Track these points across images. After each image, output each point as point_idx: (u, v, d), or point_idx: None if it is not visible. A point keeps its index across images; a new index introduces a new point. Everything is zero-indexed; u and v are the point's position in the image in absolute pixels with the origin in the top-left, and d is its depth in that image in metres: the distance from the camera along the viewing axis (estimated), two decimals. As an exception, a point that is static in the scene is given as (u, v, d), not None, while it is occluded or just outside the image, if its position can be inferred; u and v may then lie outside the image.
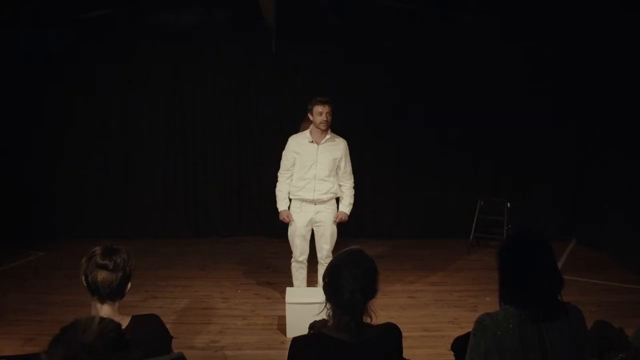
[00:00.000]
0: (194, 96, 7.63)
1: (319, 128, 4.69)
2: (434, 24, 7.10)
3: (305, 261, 4.91)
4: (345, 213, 4.86)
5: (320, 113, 4.64)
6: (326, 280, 2.10)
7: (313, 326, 2.52)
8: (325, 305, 2.10)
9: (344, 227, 4.98)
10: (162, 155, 7.69)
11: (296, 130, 5.17)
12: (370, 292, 2.05)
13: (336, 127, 4.92)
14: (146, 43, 7.36)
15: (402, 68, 7.26)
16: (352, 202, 4.88)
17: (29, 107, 7.37)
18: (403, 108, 7.38)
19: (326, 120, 4.65)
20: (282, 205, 4.86)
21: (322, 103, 4.65)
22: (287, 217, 4.84)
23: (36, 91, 7.34)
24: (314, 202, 4.75)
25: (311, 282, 5.09)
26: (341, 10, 6.99)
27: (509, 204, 6.91)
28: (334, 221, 4.84)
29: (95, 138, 7.60)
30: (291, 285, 4.95)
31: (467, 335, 2.05)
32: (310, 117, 4.73)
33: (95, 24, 7.05)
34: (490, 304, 4.68)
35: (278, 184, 4.91)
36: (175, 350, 2.28)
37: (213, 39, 7.41)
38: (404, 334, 2.18)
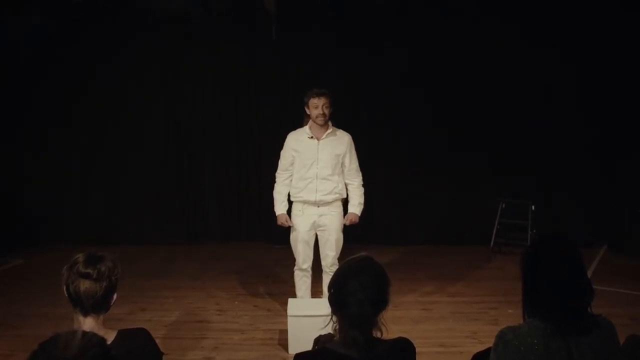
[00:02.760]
0: (193, 96, 7.83)
1: (317, 122, 4.66)
2: (451, 20, 7.14)
3: (309, 269, 4.89)
4: (355, 214, 4.83)
5: (316, 106, 4.60)
6: (332, 290, 2.08)
7: (318, 341, 2.51)
8: (331, 318, 2.09)
9: (350, 232, 4.97)
10: (160, 155, 7.84)
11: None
12: (380, 303, 2.03)
13: (342, 127, 4.89)
14: (146, 43, 7.52)
15: (411, 67, 7.29)
16: (362, 201, 4.84)
17: (25, 106, 7.50)
18: (415, 107, 7.37)
19: (323, 114, 4.60)
20: (279, 209, 4.84)
21: (318, 95, 4.60)
22: (286, 221, 4.82)
23: (32, 90, 7.48)
24: (317, 203, 4.71)
25: (316, 292, 5.08)
26: (341, 11, 7.12)
27: (533, 207, 6.86)
28: (345, 224, 4.81)
29: (92, 138, 7.75)
30: (293, 295, 4.94)
31: (488, 351, 2.04)
32: (308, 111, 4.70)
33: (94, 22, 7.22)
34: (512, 316, 4.66)
35: (275, 186, 4.89)
36: (166, 368, 2.28)
37: (213, 38, 7.62)
38: (418, 350, 2.17)
